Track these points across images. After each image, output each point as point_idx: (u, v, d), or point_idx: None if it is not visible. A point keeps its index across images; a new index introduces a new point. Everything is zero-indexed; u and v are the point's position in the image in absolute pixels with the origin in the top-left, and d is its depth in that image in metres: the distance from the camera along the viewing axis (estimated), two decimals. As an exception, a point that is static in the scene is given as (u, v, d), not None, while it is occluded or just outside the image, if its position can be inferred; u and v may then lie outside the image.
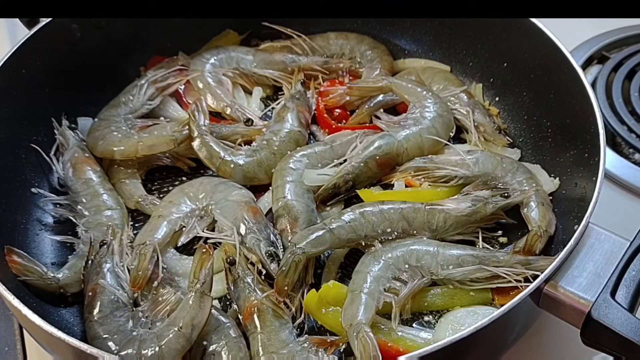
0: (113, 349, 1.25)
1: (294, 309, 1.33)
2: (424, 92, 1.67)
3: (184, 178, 1.65)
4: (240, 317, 1.33)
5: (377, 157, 1.56)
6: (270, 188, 1.56)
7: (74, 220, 1.53)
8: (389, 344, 1.28)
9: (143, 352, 1.21)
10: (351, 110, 1.76)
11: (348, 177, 1.53)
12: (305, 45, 1.88)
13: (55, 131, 1.65)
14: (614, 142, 1.81)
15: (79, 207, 1.54)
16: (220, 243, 1.47)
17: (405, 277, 1.36)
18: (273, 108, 1.74)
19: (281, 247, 1.42)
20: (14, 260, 1.37)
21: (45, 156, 1.61)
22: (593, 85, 1.91)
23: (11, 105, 1.57)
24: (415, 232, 1.43)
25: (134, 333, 1.28)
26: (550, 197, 1.52)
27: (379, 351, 1.20)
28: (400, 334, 1.31)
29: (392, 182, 1.58)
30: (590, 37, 2.04)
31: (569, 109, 1.51)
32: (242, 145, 1.64)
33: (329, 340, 1.28)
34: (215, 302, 1.39)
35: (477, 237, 1.47)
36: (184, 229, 1.49)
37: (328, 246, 1.39)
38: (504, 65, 1.74)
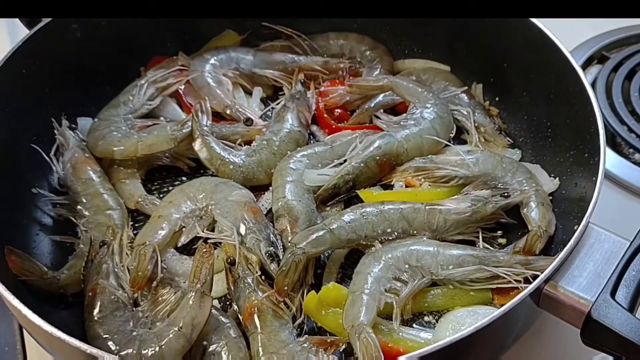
0: (113, 349, 1.25)
1: (294, 309, 1.33)
2: (425, 93, 1.67)
3: (184, 178, 1.65)
4: (240, 317, 1.33)
5: (377, 157, 1.55)
6: (270, 188, 1.56)
7: (74, 220, 1.53)
8: (390, 345, 1.28)
9: (143, 352, 1.21)
10: (351, 110, 1.76)
11: (348, 177, 1.53)
12: (305, 45, 1.88)
13: (55, 131, 1.65)
14: (614, 142, 1.81)
15: (79, 207, 1.54)
16: (220, 243, 1.47)
17: (406, 278, 1.36)
18: (273, 108, 1.74)
19: (281, 247, 1.42)
20: (14, 260, 1.37)
21: (45, 156, 1.61)
22: (593, 85, 1.90)
23: (11, 105, 1.57)
24: (415, 232, 1.43)
25: (134, 333, 1.28)
26: (550, 197, 1.52)
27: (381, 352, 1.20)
28: (400, 334, 1.31)
29: (392, 182, 1.58)
30: (590, 37, 2.04)
31: (569, 109, 1.51)
32: (242, 145, 1.64)
33: (329, 340, 1.28)
34: (215, 302, 1.39)
35: (477, 237, 1.47)
36: (183, 229, 1.49)
37: (328, 246, 1.39)
38: (504, 65, 1.74)
